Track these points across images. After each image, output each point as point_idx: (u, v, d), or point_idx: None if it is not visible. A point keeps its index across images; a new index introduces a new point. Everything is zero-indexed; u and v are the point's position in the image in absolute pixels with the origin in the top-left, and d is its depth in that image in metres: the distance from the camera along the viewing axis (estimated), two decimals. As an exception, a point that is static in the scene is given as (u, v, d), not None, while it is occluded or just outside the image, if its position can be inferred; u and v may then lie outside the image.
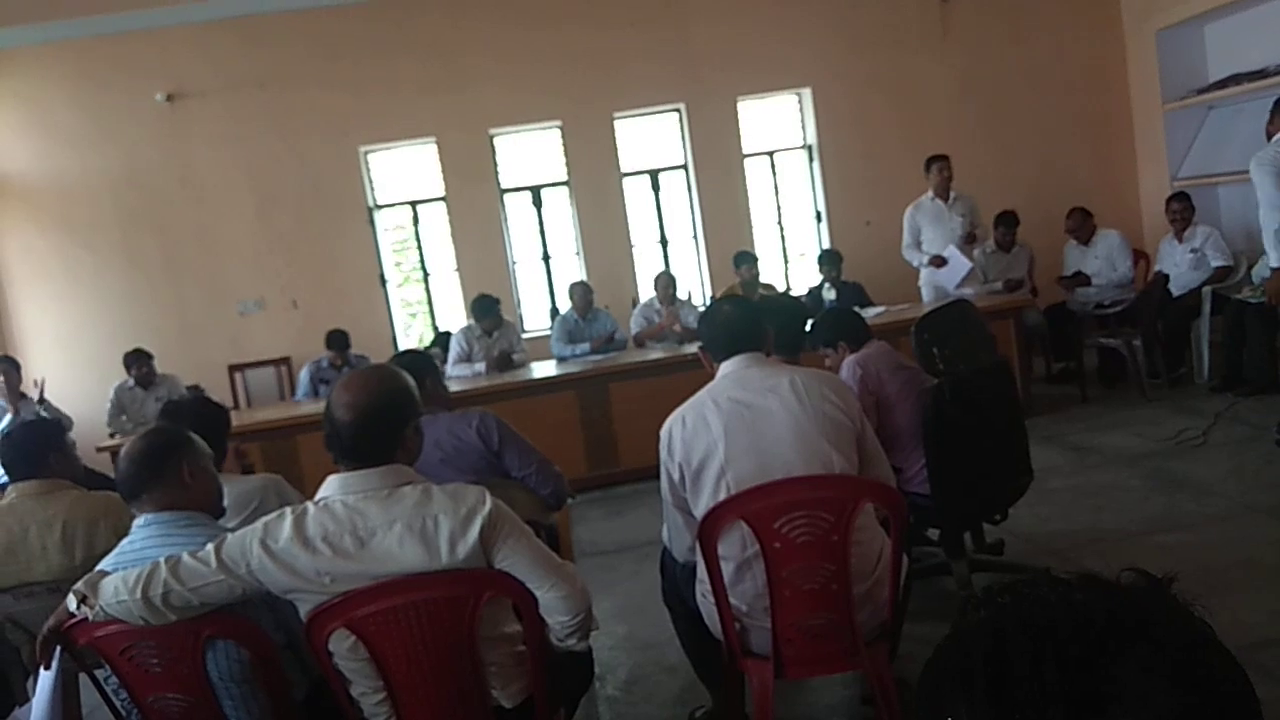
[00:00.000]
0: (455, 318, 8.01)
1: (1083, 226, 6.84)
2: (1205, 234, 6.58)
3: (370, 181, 8.02)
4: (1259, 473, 4.61)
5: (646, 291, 7.36)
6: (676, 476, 2.46)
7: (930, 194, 6.54)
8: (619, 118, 8.02)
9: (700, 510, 2.39)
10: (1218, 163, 7.41)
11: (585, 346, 6.64)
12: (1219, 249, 6.54)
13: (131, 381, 6.47)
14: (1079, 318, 6.74)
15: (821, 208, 8.30)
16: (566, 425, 5.87)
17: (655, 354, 6.27)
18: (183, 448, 2.27)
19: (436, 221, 8.12)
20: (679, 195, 8.29)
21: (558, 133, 8.02)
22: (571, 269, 8.16)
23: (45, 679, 2.09)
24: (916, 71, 8.05)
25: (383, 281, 8.05)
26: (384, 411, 1.99)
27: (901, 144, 7.95)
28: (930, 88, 8.07)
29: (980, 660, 0.66)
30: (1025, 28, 8.08)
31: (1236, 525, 4.03)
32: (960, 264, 6.44)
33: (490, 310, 6.63)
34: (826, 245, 7.97)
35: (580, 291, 6.92)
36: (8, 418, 6.00)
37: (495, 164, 8.03)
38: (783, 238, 8.50)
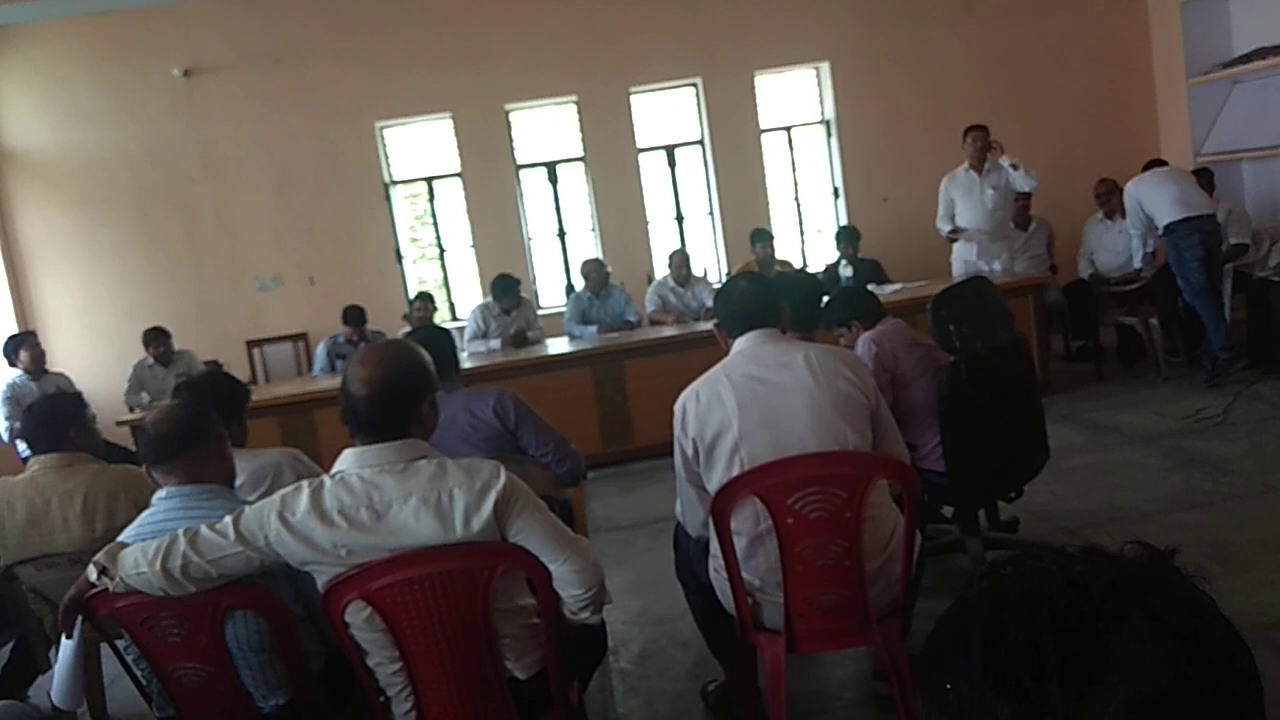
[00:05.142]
0: (472, 294, 8.03)
1: (1110, 197, 6.76)
2: (1225, 211, 6.50)
3: (386, 157, 8.02)
4: (1278, 451, 4.58)
5: (662, 268, 7.35)
6: (690, 452, 2.47)
7: (965, 165, 6.44)
8: (635, 93, 7.98)
9: (714, 485, 2.39)
10: (1242, 138, 7.31)
11: (593, 330, 6.63)
12: (1239, 226, 6.46)
13: (151, 360, 6.53)
14: (1098, 296, 6.69)
15: (839, 184, 8.24)
16: (581, 402, 5.89)
17: (670, 331, 6.26)
18: (220, 424, 2.32)
19: (452, 197, 8.11)
20: (695, 171, 8.25)
21: (574, 108, 7.99)
22: (587, 246, 8.15)
23: (67, 648, 2.12)
24: (937, 46, 7.97)
25: (399, 257, 8.07)
26: (400, 386, 2.00)
27: (921, 120, 7.89)
28: (950, 62, 7.98)
29: (979, 629, 0.67)
30: (1048, 1, 7.97)
31: (1254, 504, 4.01)
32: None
33: (511, 290, 6.65)
34: (844, 222, 7.91)
35: (594, 269, 6.90)
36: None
37: (511, 140, 8.01)
38: (799, 214, 8.45)
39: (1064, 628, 0.64)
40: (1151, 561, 0.70)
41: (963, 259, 6.57)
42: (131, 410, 6.17)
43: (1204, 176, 6.59)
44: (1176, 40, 7.74)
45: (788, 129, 8.29)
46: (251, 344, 7.77)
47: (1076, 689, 0.62)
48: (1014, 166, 6.12)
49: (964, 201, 6.44)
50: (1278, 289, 5.77)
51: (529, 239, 8.15)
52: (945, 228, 6.54)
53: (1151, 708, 0.61)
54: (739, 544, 2.38)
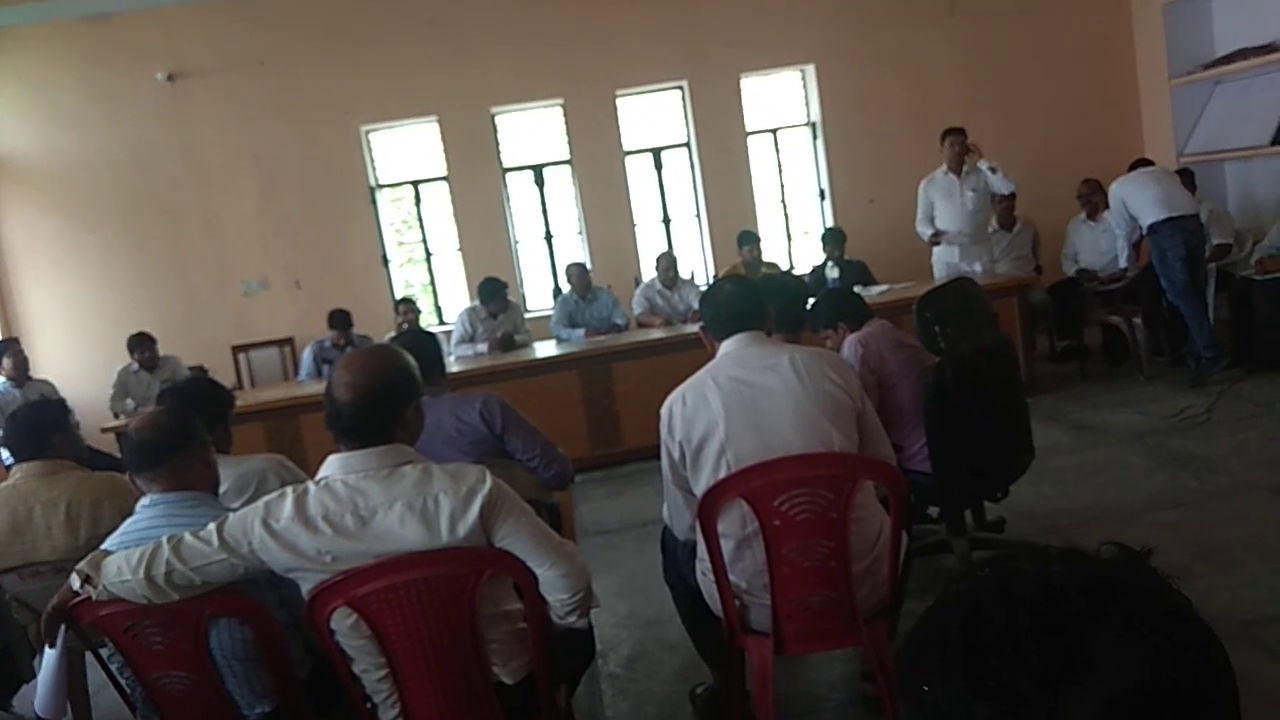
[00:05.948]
0: (459, 298, 8.01)
1: (1092, 197, 6.79)
2: (1208, 211, 6.54)
3: (372, 161, 8.00)
4: (1262, 450, 4.61)
5: (649, 271, 7.35)
6: (677, 455, 2.47)
7: (944, 168, 6.46)
8: (621, 95, 7.98)
9: (700, 488, 2.39)
10: (1224, 139, 7.36)
11: (580, 333, 6.63)
12: (1221, 226, 6.50)
13: (136, 365, 6.50)
14: (1083, 295, 6.72)
15: (825, 186, 8.26)
16: (569, 405, 5.88)
17: (657, 334, 6.27)
18: (204, 430, 2.32)
19: (438, 201, 8.10)
20: (682, 174, 8.25)
21: (560, 111, 7.99)
22: (574, 248, 8.14)
23: (50, 657, 2.11)
24: (922, 47, 7.99)
25: (385, 262, 8.05)
26: (384, 391, 2.00)
27: (906, 121, 7.91)
28: (935, 63, 8.01)
29: (956, 630, 0.67)
30: (1032, 2, 8.01)
31: (1239, 502, 4.03)
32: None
33: (498, 294, 6.64)
34: (830, 223, 7.94)
35: (577, 273, 6.90)
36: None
37: (497, 143, 8.00)
38: (786, 216, 8.46)
39: (1041, 628, 0.64)
40: (1127, 562, 0.70)
41: (944, 261, 6.57)
42: (117, 417, 6.14)
43: (1186, 177, 6.62)
44: (1159, 41, 7.78)
45: (774, 131, 8.30)
46: (237, 349, 7.73)
47: (1054, 689, 0.62)
48: (992, 170, 6.15)
49: (944, 204, 6.44)
50: (1260, 288, 5.82)
51: (515, 242, 8.14)
52: (926, 231, 6.54)
53: (1128, 707, 0.62)
54: (726, 546, 2.38)
